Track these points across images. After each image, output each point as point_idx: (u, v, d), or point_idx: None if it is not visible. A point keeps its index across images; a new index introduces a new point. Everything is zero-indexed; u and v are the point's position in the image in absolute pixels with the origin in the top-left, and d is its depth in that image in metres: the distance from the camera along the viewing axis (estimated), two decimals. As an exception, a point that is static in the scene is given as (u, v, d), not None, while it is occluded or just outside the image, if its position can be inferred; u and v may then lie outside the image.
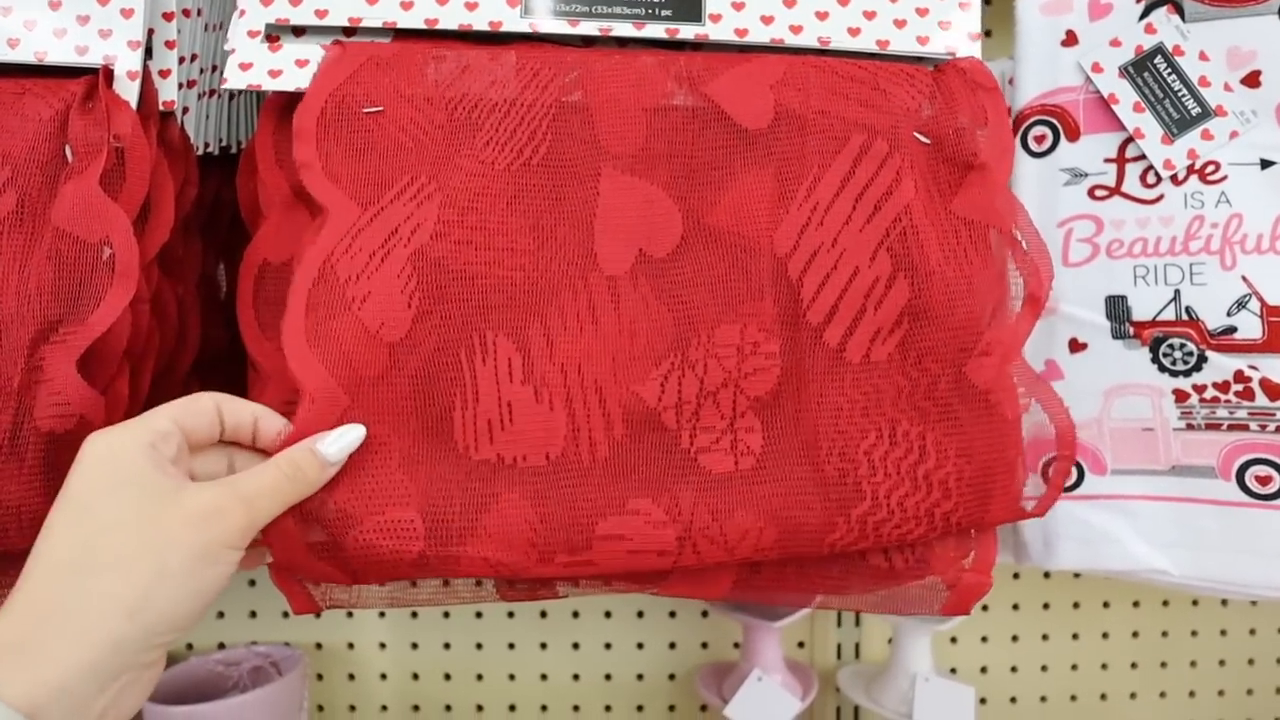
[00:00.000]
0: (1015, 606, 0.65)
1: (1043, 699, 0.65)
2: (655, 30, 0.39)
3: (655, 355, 0.34)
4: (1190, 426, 0.41)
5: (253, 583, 0.60)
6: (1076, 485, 0.43)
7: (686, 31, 0.39)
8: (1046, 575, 0.64)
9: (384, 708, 0.63)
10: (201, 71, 0.45)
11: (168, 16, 0.42)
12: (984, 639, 0.65)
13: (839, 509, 0.33)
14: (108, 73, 0.39)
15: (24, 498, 0.35)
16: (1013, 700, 0.65)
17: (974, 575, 0.35)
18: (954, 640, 0.65)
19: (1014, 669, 0.65)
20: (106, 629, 0.26)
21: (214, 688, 0.54)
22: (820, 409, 0.34)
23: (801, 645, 0.64)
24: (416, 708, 0.63)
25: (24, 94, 0.39)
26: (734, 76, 0.37)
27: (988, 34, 0.60)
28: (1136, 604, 0.65)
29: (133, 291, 0.37)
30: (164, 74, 0.41)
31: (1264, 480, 0.40)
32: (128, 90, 0.40)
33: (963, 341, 0.34)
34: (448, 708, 0.63)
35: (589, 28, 0.39)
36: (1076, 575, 0.63)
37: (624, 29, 0.39)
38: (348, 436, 0.32)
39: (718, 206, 0.35)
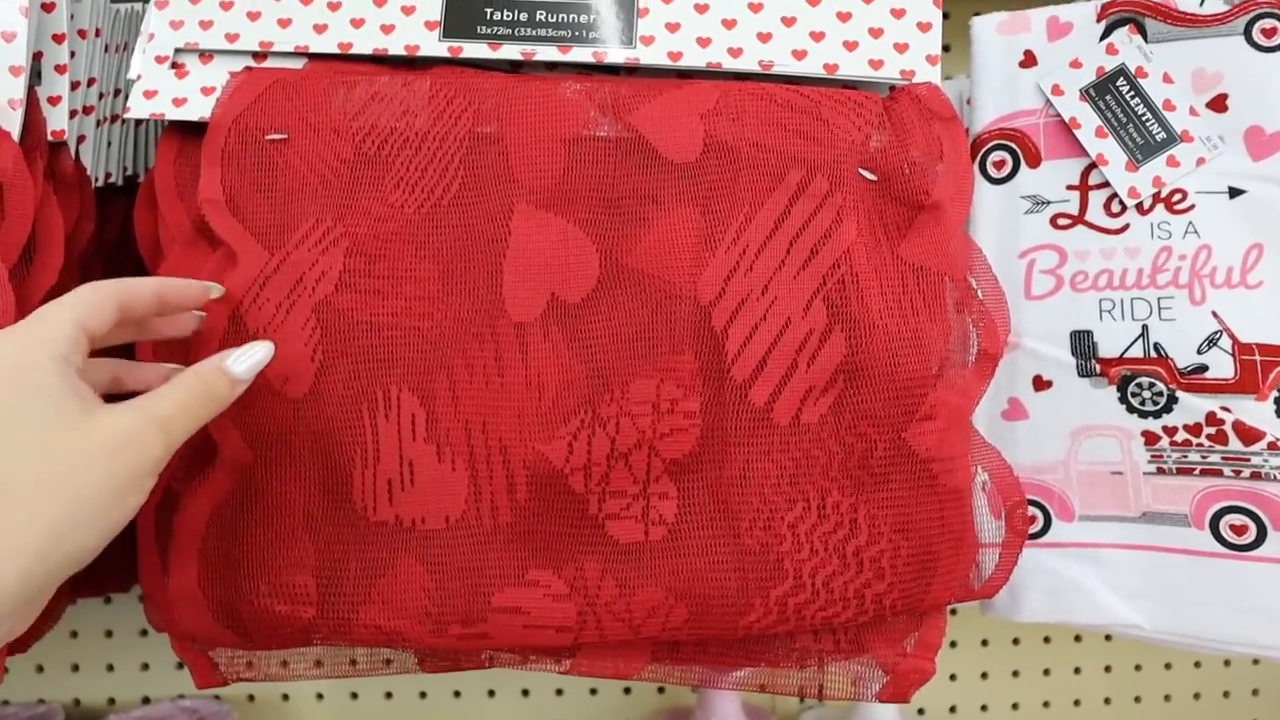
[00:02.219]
0: (984, 642, 0.62)
1: (1017, 738, 0.63)
2: (582, 54, 0.36)
3: (564, 412, 0.31)
4: (1161, 471, 0.39)
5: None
6: (1043, 532, 0.41)
7: (616, 55, 0.36)
8: (1019, 610, 0.62)
9: (325, 763, 0.59)
10: (101, 96, 0.41)
11: (58, 39, 0.38)
12: (952, 677, 0.62)
13: (757, 588, 0.30)
14: (-16, 102, 0.36)
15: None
16: (986, 740, 0.63)
17: (915, 660, 0.32)
18: (924, 680, 0.62)
19: (984, 708, 0.62)
20: (10, 571, 0.23)
21: (136, 749, 0.50)
22: (743, 476, 0.31)
23: (763, 687, 0.61)
24: (360, 762, 0.60)
25: (-109, 126, 0.36)
26: (661, 104, 0.34)
27: (946, 49, 0.58)
28: (1109, 638, 0.63)
29: (7, 343, 0.34)
30: (54, 101, 0.38)
31: (1239, 530, 0.38)
32: (9, 120, 0.36)
33: (905, 404, 0.31)
34: (393, 761, 0.60)
35: (511, 51, 0.36)
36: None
37: (549, 52, 0.36)
38: (257, 354, 0.29)
39: (638, 247, 0.32)
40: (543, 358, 0.32)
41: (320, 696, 0.59)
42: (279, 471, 0.32)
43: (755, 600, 0.30)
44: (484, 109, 0.35)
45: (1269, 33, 0.38)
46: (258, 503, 0.32)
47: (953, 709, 0.62)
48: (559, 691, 0.60)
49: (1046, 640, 0.63)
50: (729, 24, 0.36)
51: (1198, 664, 0.64)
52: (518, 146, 0.34)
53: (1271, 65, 0.38)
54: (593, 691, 0.60)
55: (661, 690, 0.61)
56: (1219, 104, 0.39)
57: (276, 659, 0.35)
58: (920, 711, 0.62)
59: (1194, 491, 0.38)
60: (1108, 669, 0.63)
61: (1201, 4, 0.39)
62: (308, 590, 0.31)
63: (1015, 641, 0.63)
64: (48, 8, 0.38)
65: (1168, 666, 0.63)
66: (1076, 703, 0.63)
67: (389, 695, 0.59)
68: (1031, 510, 0.41)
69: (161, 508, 0.34)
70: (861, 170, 0.34)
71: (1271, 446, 0.37)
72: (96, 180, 0.41)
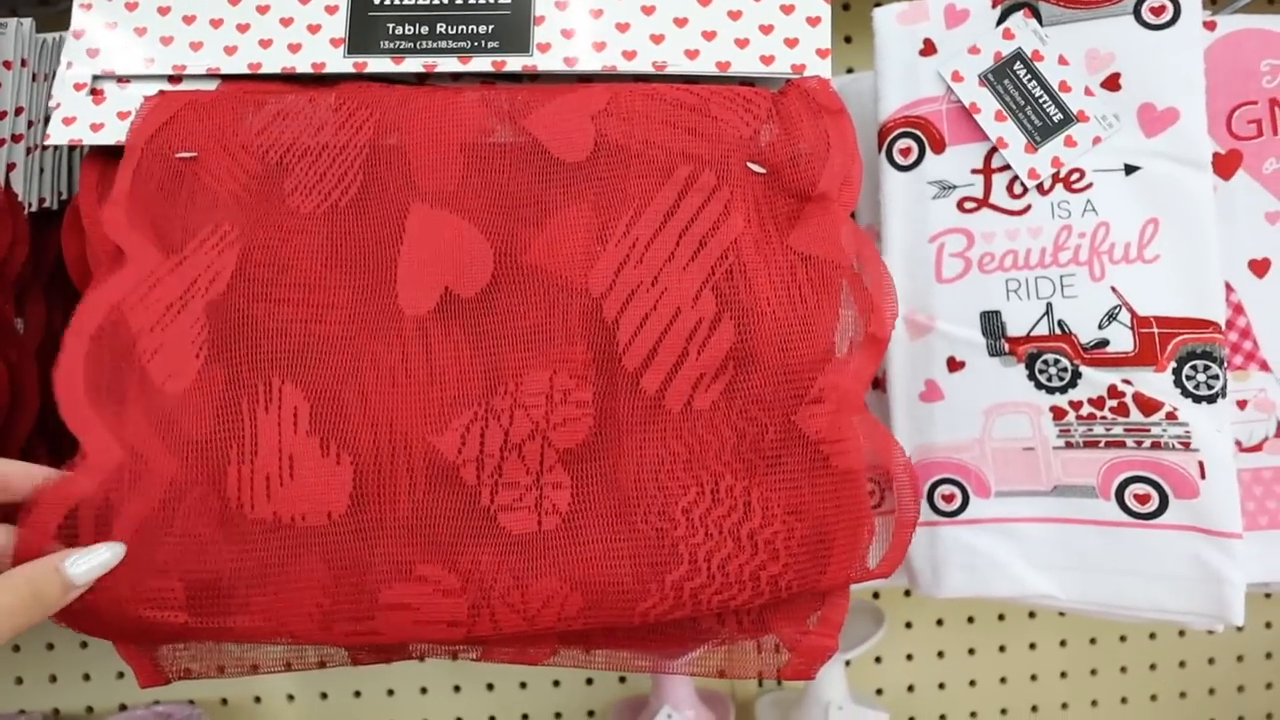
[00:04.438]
0: (939, 622, 0.63)
1: (973, 714, 0.64)
2: (482, 63, 0.37)
3: (458, 405, 0.32)
4: (1069, 445, 0.40)
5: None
6: (962, 509, 0.42)
7: (514, 63, 0.37)
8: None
9: (297, 762, 0.61)
10: (31, 124, 0.43)
11: (-17, 71, 0.40)
12: (909, 657, 0.63)
13: (652, 574, 0.31)
14: (-90, 136, 0.37)
15: None
16: (942, 718, 0.64)
17: (817, 637, 0.33)
18: (878, 660, 0.63)
19: (941, 685, 0.63)
20: None
21: (109, 755, 0.52)
22: (638, 463, 0.32)
23: (722, 673, 0.62)
24: (331, 760, 0.61)
25: None
26: (554, 108, 0.35)
27: (848, 40, 0.59)
28: (1063, 613, 0.63)
29: (-61, 366, 0.35)
30: (-19, 132, 0.40)
31: (1143, 499, 0.38)
32: (-65, 151, 0.38)
33: (794, 388, 0.32)
34: (364, 758, 0.61)
35: (414, 64, 0.37)
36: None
37: (449, 64, 0.37)
38: (99, 557, 0.29)
39: (534, 244, 0.33)
40: (437, 351, 0.33)
41: (291, 698, 0.60)
42: (149, 472, 0.31)
43: (651, 586, 0.31)
44: (386, 120, 0.36)
45: (1157, 11, 0.39)
46: (124, 502, 0.30)
47: (910, 688, 0.64)
48: (523, 685, 0.62)
49: (1001, 618, 0.64)
50: (622, 28, 0.37)
51: (1152, 635, 0.64)
52: (418, 154, 0.35)
53: (1161, 43, 0.39)
54: (555, 683, 0.62)
55: (623, 680, 0.62)
56: (1112, 83, 0.40)
57: (214, 661, 0.36)
58: (879, 692, 0.63)
59: (1100, 463, 0.39)
60: (1063, 643, 0.64)
61: (1091, -14, 0.40)
62: (175, 596, 0.30)
63: (970, 620, 0.64)
64: (-29, 42, 0.40)
65: (1122, 639, 0.64)
66: (1033, 678, 0.64)
67: (358, 694, 0.61)
68: (950, 489, 0.42)
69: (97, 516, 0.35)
70: (750, 164, 0.35)
71: (1169, 416, 0.38)
72: (30, 206, 0.43)
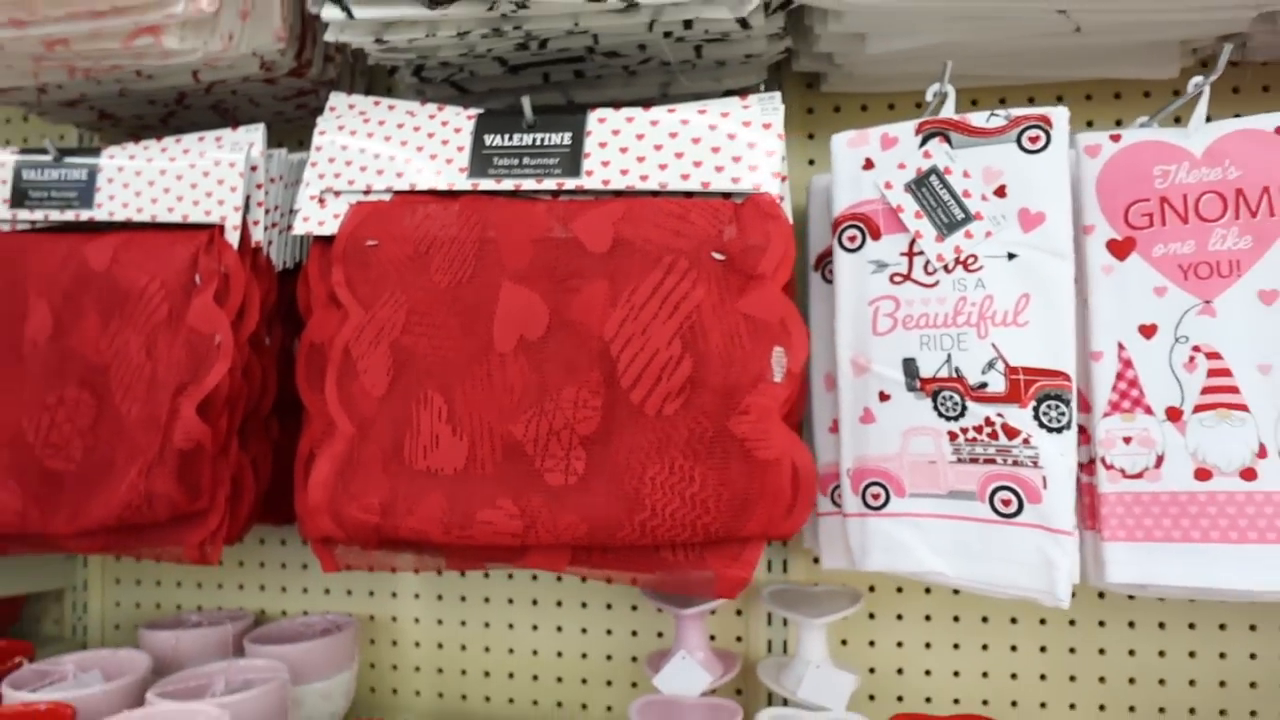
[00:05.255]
0: (928, 618, 0.74)
1: (955, 700, 0.74)
2: (549, 183, 0.57)
3: (524, 406, 0.52)
4: (959, 460, 0.53)
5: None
6: (884, 505, 0.56)
7: (570, 184, 0.57)
8: (956, 591, 0.74)
9: (417, 668, 0.83)
10: (282, 215, 0.68)
11: (259, 186, 0.65)
12: (899, 644, 0.75)
13: (627, 515, 0.49)
14: (220, 228, 0.63)
15: (166, 490, 0.58)
16: (928, 699, 0.75)
17: (736, 571, 0.49)
18: (872, 644, 0.75)
19: (928, 672, 0.74)
20: None
21: (297, 637, 0.76)
22: (627, 446, 0.50)
23: (740, 640, 0.77)
24: (441, 670, 0.82)
25: (174, 243, 0.63)
26: (590, 216, 0.54)
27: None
28: (1044, 621, 0.73)
29: (229, 364, 0.59)
30: (255, 223, 0.65)
31: (1006, 502, 0.51)
32: (232, 237, 0.63)
33: (729, 404, 0.49)
34: (463, 671, 0.82)
35: (508, 184, 0.58)
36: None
37: (529, 184, 0.57)
38: None
39: (572, 306, 0.53)
40: (514, 373, 0.53)
41: (417, 620, 0.83)
42: (368, 439, 0.55)
43: (625, 522, 0.49)
44: (489, 221, 0.56)
45: (1034, 140, 0.52)
46: (357, 456, 0.55)
47: (900, 670, 0.75)
48: (584, 630, 0.80)
49: (985, 620, 0.74)
50: (640, 159, 0.56)
51: (1131, 652, 0.72)
52: (506, 245, 0.55)
53: (1036, 162, 0.52)
54: (609, 632, 0.79)
55: (660, 635, 0.79)
56: (1001, 192, 0.53)
57: (366, 560, 0.58)
58: (871, 670, 0.75)
59: (979, 475, 0.52)
60: (1043, 649, 0.73)
61: (988, 120, 0.54)
62: (374, 507, 0.53)
63: (956, 619, 0.74)
64: (254, 169, 0.65)
65: (1101, 652, 0.72)
66: (1013, 676, 0.73)
67: (463, 623, 0.82)
68: (877, 489, 0.56)
69: (307, 460, 0.58)
70: (714, 253, 0.52)
71: (1025, 441, 0.50)
72: (278, 267, 0.67)
